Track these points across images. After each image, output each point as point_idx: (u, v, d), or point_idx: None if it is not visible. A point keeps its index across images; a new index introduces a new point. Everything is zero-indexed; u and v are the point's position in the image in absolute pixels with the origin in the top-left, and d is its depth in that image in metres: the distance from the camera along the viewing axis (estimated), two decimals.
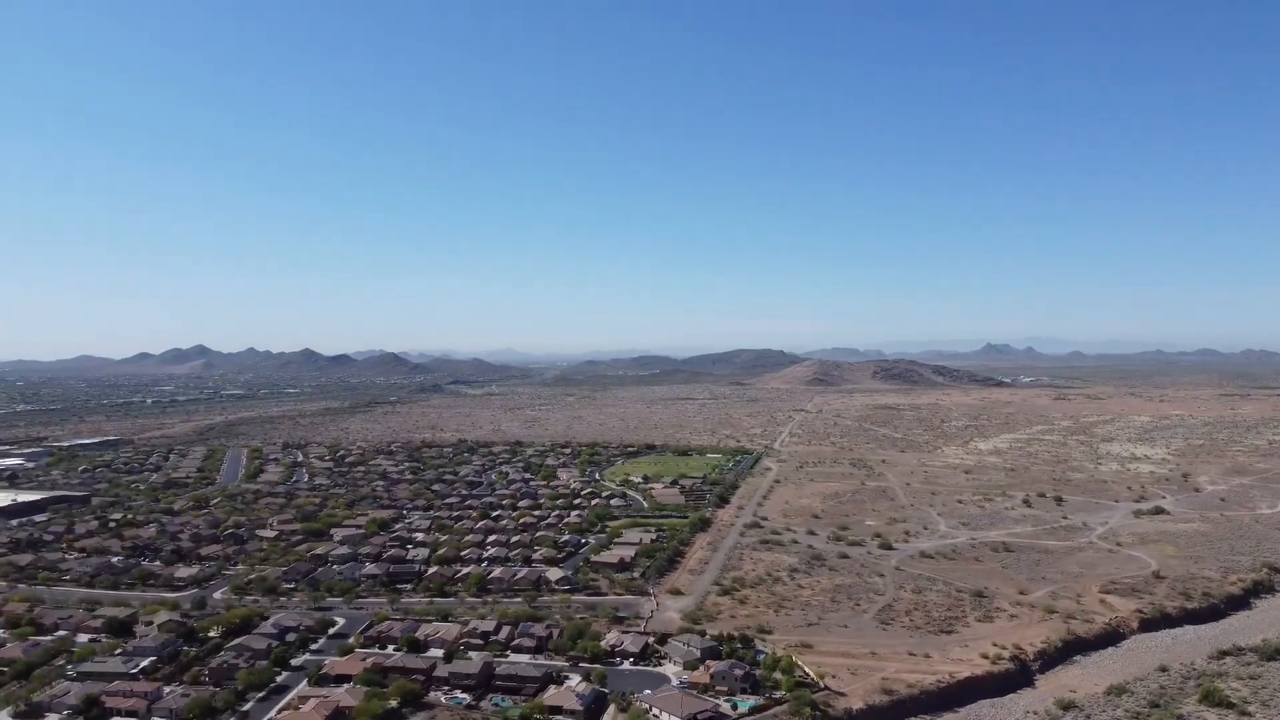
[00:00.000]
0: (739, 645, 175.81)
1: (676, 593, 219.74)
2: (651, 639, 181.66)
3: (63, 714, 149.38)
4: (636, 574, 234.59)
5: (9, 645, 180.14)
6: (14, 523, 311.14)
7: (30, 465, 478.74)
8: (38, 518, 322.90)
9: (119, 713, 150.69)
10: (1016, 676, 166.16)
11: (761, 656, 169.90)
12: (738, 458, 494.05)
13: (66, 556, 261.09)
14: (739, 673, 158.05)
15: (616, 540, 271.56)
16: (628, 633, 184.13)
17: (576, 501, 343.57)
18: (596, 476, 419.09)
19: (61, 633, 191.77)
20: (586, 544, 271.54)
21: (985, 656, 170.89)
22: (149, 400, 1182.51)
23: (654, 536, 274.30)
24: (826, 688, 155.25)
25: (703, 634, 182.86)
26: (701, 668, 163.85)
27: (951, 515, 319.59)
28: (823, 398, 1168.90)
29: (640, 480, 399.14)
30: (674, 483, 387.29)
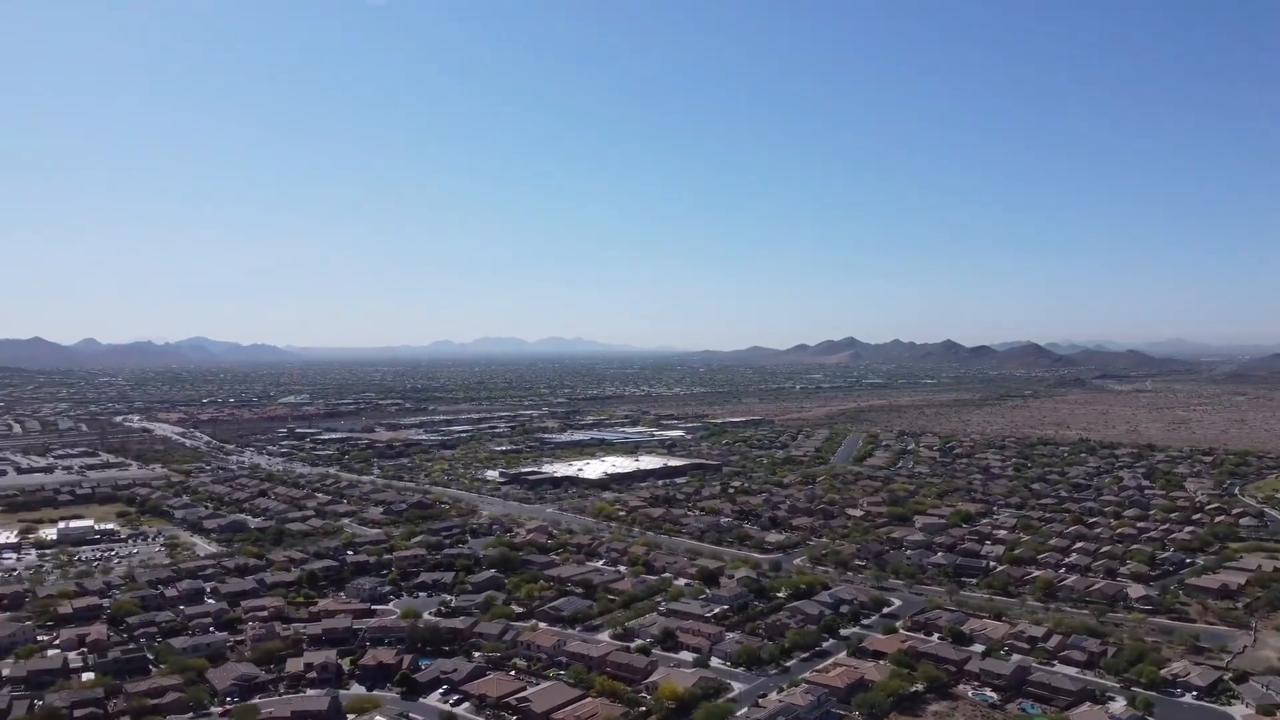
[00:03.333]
0: None
1: None
2: (1228, 675, 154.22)
3: (646, 640, 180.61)
4: (1240, 604, 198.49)
5: (625, 579, 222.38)
6: (660, 483, 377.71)
7: (688, 437, 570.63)
8: (678, 480, 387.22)
9: (687, 647, 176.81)
10: None
11: None
12: None
13: (689, 513, 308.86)
14: None
15: (1228, 564, 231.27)
16: (1199, 664, 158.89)
17: (1195, 516, 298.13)
18: (1235, 491, 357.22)
19: (666, 574, 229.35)
20: (1190, 564, 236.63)
21: None
22: (797, 386, 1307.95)
23: None
24: None
25: None
26: (1278, 714, 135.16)
27: None
28: None
29: None
30: None
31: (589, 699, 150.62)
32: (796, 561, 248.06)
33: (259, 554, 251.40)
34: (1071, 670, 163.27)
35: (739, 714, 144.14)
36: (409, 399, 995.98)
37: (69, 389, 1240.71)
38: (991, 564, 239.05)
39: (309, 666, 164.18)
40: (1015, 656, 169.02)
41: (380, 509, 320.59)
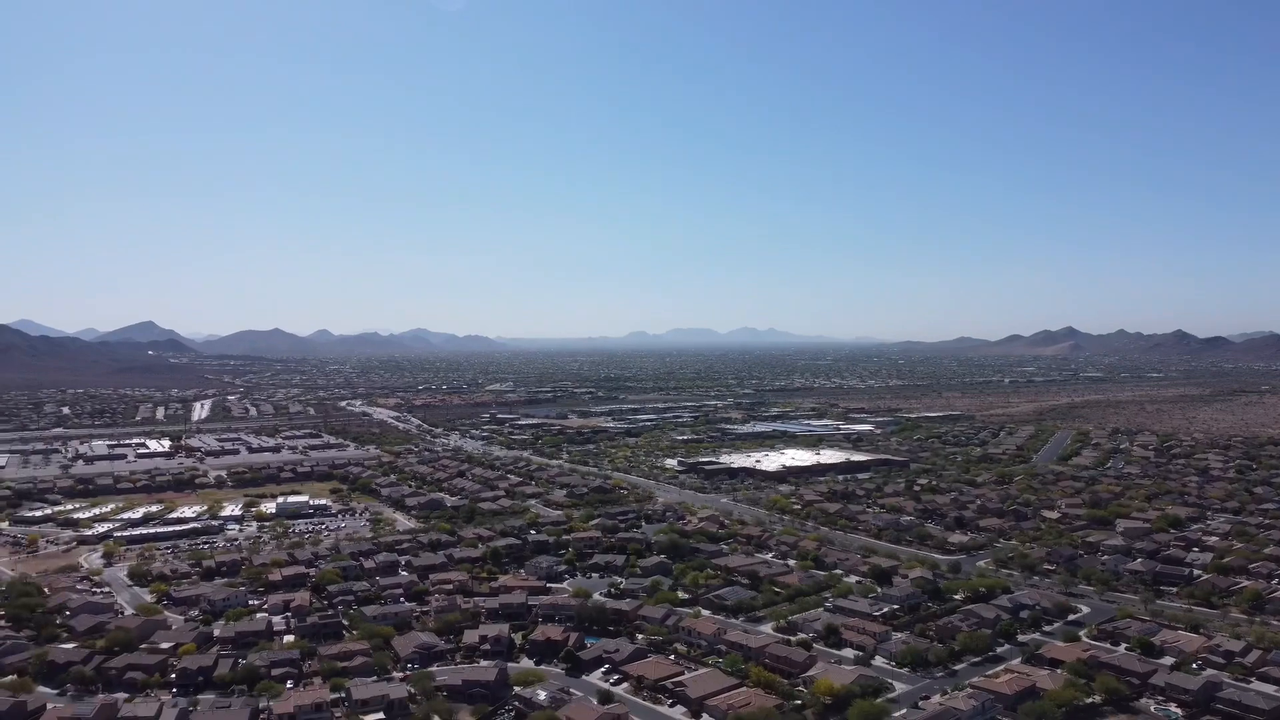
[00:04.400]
0: None
1: None
2: None
3: (809, 634, 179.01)
4: None
5: (793, 573, 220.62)
6: (841, 477, 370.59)
7: (877, 432, 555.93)
8: (860, 475, 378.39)
9: (850, 644, 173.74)
10: None
11: None
12: None
13: (867, 510, 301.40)
14: None
15: None
16: None
17: None
18: None
19: (836, 570, 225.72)
20: None
21: None
22: (1006, 380, 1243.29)
23: None
24: None
25: None
26: None
27: None
28: None
29: None
30: None
31: (744, 688, 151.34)
32: (980, 564, 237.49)
33: (451, 531, 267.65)
34: (1269, 688, 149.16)
35: (897, 715, 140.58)
36: (601, 388, 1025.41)
37: (302, 375, 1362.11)
38: (1195, 572, 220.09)
39: (483, 639, 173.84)
40: (1207, 671, 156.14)
41: (564, 492, 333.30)
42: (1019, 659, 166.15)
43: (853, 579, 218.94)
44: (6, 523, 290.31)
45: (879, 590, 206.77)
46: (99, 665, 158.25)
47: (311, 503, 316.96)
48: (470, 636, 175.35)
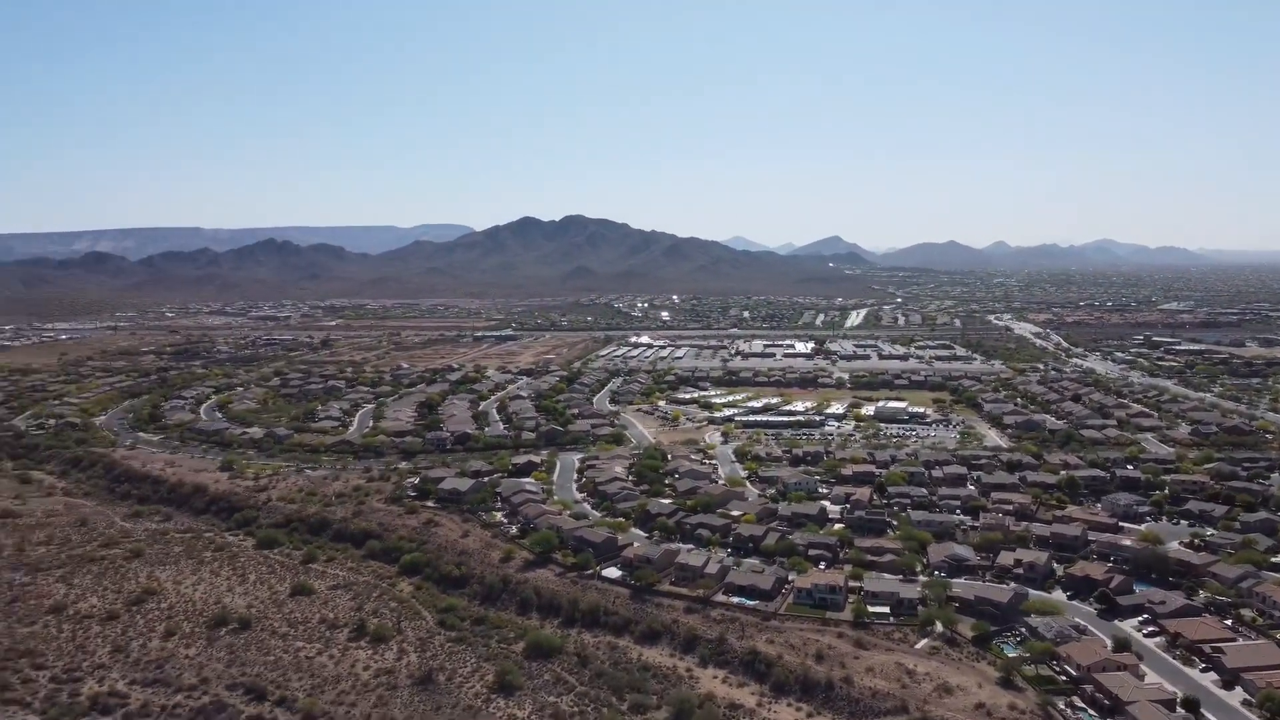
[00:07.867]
0: None
1: None
2: None
3: None
4: None
5: None
6: None
7: None
8: None
9: None
10: None
11: None
12: None
13: None
14: None
15: None
16: None
17: None
18: None
19: None
20: None
21: None
22: None
23: None
24: None
25: None
26: None
27: None
28: None
29: None
30: None
31: None
32: None
33: (1036, 454, 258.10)
34: None
35: None
36: None
37: (963, 288, 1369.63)
38: None
39: (1018, 563, 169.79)
40: None
41: (1189, 429, 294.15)
42: None
43: None
44: (664, 401, 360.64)
45: None
46: (680, 520, 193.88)
47: (909, 410, 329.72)
48: (1005, 558, 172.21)
